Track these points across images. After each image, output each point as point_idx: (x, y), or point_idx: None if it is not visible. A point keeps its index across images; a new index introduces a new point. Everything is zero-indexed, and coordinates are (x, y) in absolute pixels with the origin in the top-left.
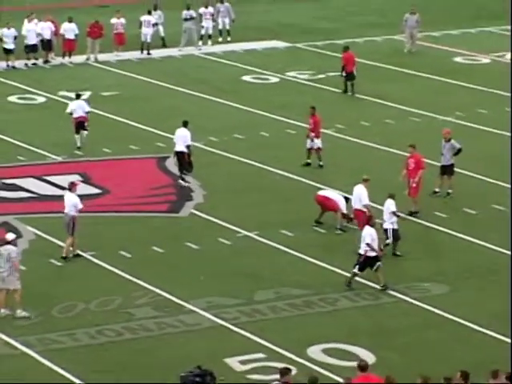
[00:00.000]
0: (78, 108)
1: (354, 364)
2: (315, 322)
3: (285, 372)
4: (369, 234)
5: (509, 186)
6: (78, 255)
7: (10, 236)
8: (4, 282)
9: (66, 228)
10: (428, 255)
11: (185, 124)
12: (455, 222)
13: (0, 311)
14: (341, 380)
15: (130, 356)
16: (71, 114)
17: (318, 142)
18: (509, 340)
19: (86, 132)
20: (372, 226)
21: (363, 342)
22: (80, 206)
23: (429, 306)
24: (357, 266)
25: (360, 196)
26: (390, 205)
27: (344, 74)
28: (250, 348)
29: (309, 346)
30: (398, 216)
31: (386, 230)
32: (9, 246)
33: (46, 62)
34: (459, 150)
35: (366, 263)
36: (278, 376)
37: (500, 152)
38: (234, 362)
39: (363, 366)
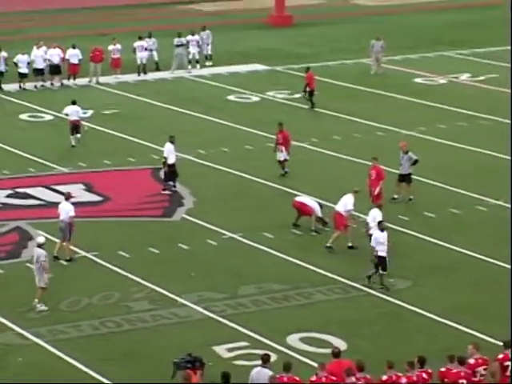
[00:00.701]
0: (73, 112)
1: (328, 351)
2: (293, 313)
3: (266, 358)
4: (374, 238)
5: (463, 191)
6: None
7: (41, 239)
8: (38, 280)
9: (63, 233)
10: (393, 254)
11: (169, 139)
12: (416, 225)
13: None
14: (316, 365)
15: (128, 345)
16: (67, 115)
17: (284, 154)
18: (466, 329)
19: (79, 135)
20: (382, 230)
21: (336, 331)
22: (72, 213)
23: (394, 299)
24: (379, 268)
25: (346, 202)
26: (376, 214)
27: (307, 90)
28: (235, 337)
29: (287, 335)
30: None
31: (371, 236)
32: (38, 249)
33: (61, 84)
34: (416, 161)
35: (382, 262)
36: (259, 362)
37: (457, 162)
38: (221, 350)
39: (336, 353)
